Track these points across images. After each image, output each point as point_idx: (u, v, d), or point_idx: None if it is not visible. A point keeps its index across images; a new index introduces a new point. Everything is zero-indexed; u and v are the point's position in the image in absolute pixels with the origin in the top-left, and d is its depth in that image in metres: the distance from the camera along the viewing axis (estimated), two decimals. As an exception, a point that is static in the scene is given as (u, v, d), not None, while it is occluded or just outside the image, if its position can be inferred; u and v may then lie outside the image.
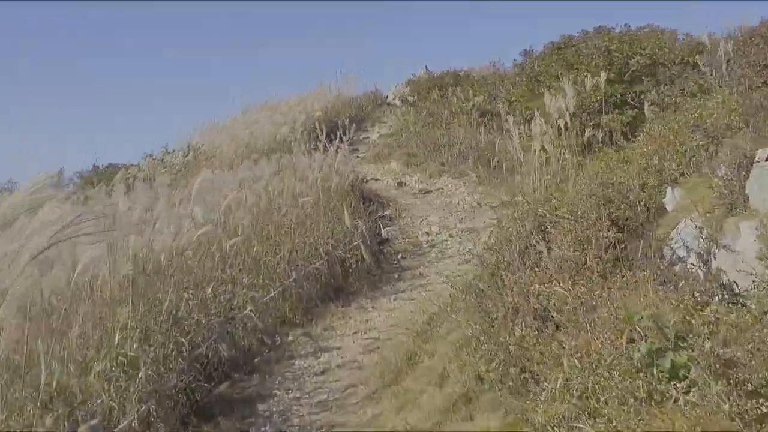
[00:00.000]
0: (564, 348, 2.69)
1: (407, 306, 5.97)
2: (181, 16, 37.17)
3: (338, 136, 9.48)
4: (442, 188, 10.85)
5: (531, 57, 14.11)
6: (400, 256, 7.65)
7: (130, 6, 35.48)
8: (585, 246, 3.44)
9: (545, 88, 7.29)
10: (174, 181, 7.91)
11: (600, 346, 2.45)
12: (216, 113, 26.46)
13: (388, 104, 19.03)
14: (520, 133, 9.32)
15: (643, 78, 8.31)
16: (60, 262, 3.21)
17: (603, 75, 5.03)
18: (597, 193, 3.55)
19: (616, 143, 5.94)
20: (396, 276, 6.96)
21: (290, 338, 5.51)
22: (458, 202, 9.82)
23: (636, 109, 6.69)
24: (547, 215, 3.67)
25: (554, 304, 3.14)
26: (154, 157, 13.32)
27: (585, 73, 8.65)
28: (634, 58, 8.47)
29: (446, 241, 8.08)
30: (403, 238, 8.29)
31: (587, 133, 5.08)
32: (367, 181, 10.89)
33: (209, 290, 5.02)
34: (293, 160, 6.95)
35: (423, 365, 4.06)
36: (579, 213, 3.50)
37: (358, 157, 13.05)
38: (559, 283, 3.29)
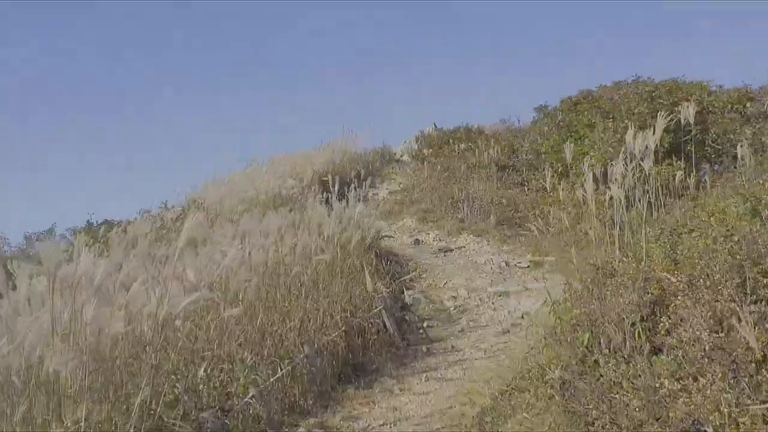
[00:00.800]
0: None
1: (444, 389, 4.89)
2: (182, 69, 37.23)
3: (353, 187, 8.58)
4: (464, 246, 9.90)
5: (547, 110, 13.56)
6: (425, 324, 6.60)
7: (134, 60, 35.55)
8: (726, 324, 2.44)
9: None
10: (165, 234, 6.98)
11: None
12: (219, 167, 25.90)
13: (397, 161, 18.48)
14: (553, 184, 8.47)
15: (692, 126, 7.54)
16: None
17: (691, 108, 4.21)
18: (737, 252, 2.59)
19: (684, 192, 5.03)
20: (424, 349, 5.89)
21: (301, 430, 4.42)
22: (484, 262, 8.83)
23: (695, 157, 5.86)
24: (671, 279, 2.70)
25: (709, 416, 2.12)
26: (151, 213, 12.51)
27: (626, 121, 7.91)
28: (680, 105, 7.71)
29: (478, 306, 7.05)
30: (426, 303, 7.26)
31: (678, 178, 4.20)
32: (380, 238, 9.93)
33: (201, 371, 3.99)
34: (309, 212, 6.01)
35: (488, 485, 2.98)
36: (715, 278, 2.53)
37: (367, 213, 12.20)
38: (704, 379, 2.27)
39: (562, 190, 5.37)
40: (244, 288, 4.39)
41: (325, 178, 11.00)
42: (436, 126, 19.39)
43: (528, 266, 8.64)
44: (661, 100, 7.82)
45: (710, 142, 6.25)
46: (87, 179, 30.43)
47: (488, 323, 6.54)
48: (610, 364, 2.63)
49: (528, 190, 11.49)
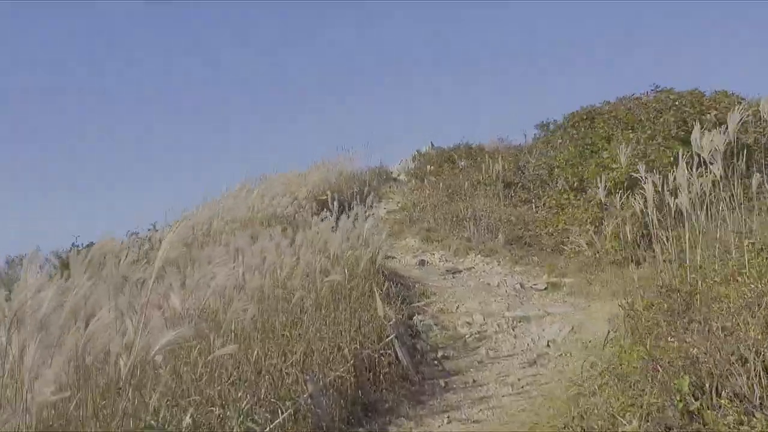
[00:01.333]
0: None
1: (471, 433, 4.21)
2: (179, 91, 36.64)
3: (355, 204, 7.96)
4: (473, 267, 9.26)
5: (557, 125, 13.11)
6: (440, 354, 5.92)
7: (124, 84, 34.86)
8: None
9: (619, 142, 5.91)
10: (152, 254, 6.30)
11: None
12: (210, 187, 25.19)
13: (395, 180, 18.04)
14: (570, 198, 7.90)
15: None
16: None
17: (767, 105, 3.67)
18: None
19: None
20: (442, 384, 5.20)
21: (305, 486, 3.72)
22: (497, 284, 8.19)
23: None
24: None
25: None
26: (139, 235, 11.81)
27: (647, 132, 7.38)
28: (708, 113, 7.20)
29: (496, 333, 6.38)
30: (439, 330, 6.58)
31: (755, 180, 3.62)
32: (386, 258, 9.27)
33: (187, 418, 3.30)
34: (310, 229, 5.36)
35: None
36: None
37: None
38: None
39: (619, 201, 4.72)
40: (237, 319, 3.71)
41: (322, 197, 10.42)
42: (433, 145, 18.98)
43: (545, 288, 8.01)
44: (687, 109, 7.29)
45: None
46: (78, 201, 29.57)
47: (511, 353, 5.87)
48: (729, 418, 1.98)
49: (537, 207, 10.93)
